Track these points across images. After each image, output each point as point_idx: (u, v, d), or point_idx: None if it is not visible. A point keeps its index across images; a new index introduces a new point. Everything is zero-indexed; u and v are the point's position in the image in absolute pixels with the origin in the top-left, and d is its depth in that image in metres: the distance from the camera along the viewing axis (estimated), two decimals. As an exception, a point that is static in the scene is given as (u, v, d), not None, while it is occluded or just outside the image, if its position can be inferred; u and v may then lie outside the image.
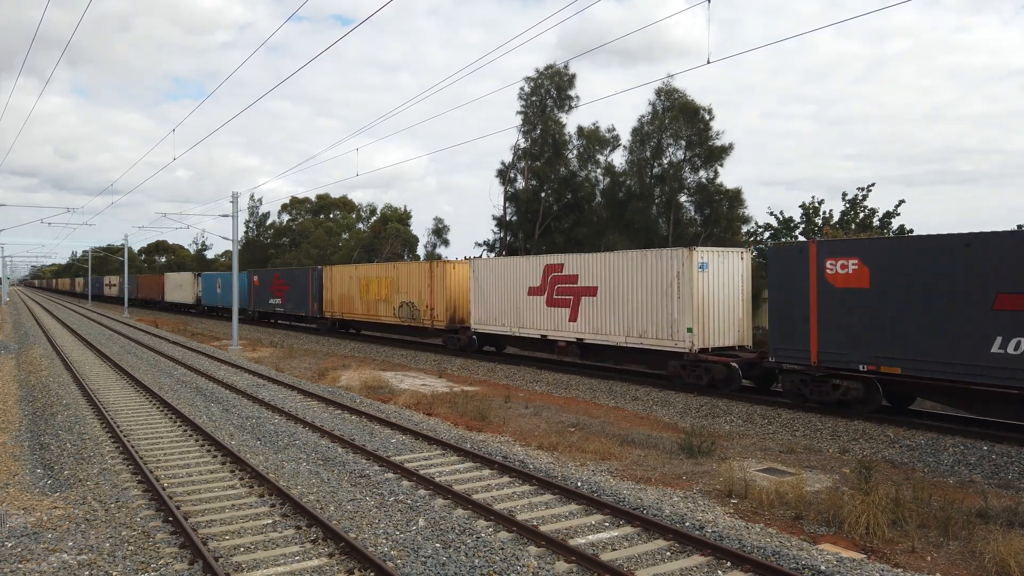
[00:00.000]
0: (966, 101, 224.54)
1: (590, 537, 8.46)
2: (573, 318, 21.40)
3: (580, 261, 21.43)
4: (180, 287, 60.12)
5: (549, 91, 42.71)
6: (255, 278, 45.83)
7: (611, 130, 43.19)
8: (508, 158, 44.61)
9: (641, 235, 37.51)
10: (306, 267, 41.20)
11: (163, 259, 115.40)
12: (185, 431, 14.22)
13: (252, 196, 75.21)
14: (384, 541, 8.24)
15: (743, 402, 16.75)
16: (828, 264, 14.86)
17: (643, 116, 39.14)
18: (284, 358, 27.66)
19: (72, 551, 7.91)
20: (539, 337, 22.80)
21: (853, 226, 29.27)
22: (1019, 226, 25.97)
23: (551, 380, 20.93)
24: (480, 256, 44.22)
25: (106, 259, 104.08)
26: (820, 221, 30.67)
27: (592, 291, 20.72)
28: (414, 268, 29.66)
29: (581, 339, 21.22)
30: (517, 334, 23.60)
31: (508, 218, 44.68)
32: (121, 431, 13.61)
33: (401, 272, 30.49)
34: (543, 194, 43.08)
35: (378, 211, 68.98)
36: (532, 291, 22.96)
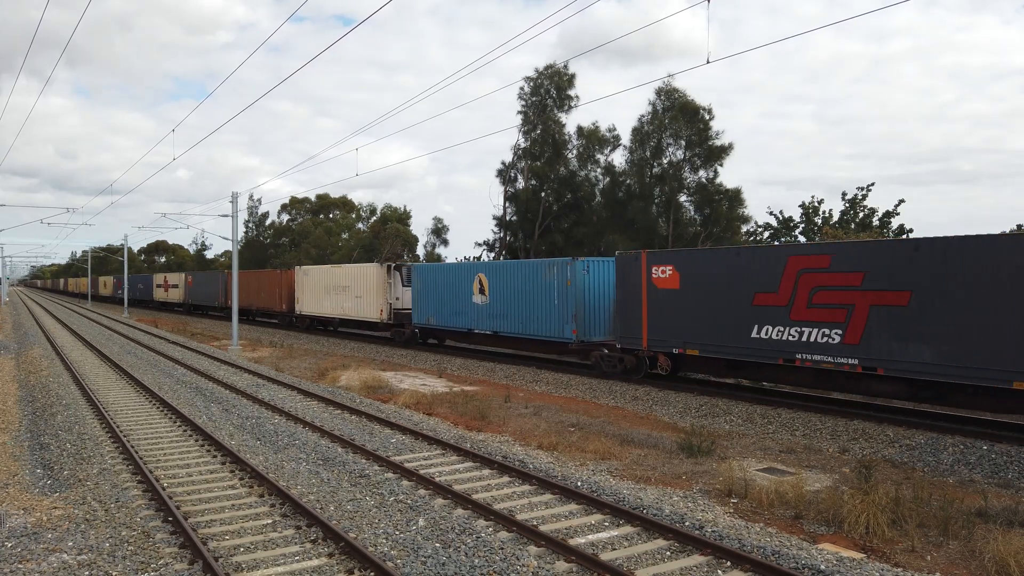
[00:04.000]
0: (966, 101, 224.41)
1: (590, 537, 8.46)
2: None
3: None
4: (343, 291, 33.32)
5: (549, 91, 42.76)
6: (663, 270, 18.00)
7: (611, 130, 43.29)
8: (508, 158, 44.72)
9: (641, 235, 37.55)
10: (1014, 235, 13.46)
11: (163, 259, 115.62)
12: (185, 431, 14.22)
13: (251, 196, 75.35)
14: (384, 541, 8.24)
15: (743, 402, 16.75)
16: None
17: (643, 116, 39.25)
18: (284, 358, 27.66)
19: (72, 551, 7.91)
20: None
21: (853, 226, 29.27)
22: (1019, 226, 25.99)
23: (551, 380, 20.92)
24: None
25: (106, 259, 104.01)
26: (820, 221, 30.68)
27: None
28: None
29: None
30: None
31: (508, 218, 44.72)
32: (121, 431, 13.61)
33: None
34: (543, 194, 43.13)
35: (378, 211, 69.08)
36: None
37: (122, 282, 79.37)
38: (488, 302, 24.47)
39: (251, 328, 42.02)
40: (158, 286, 66.04)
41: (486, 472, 11.25)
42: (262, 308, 43.20)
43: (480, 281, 25.01)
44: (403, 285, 30.33)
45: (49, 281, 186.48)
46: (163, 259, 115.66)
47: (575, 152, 43.80)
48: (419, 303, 28.11)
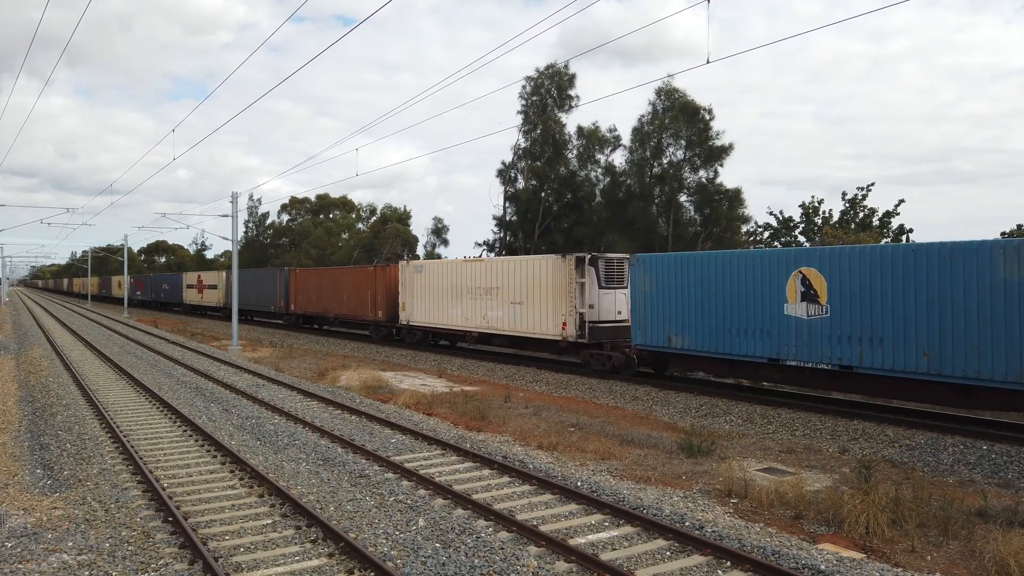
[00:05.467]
0: (966, 101, 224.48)
1: (590, 537, 8.46)
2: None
3: None
4: (487, 295, 24.54)
5: (549, 91, 42.75)
6: None
7: (612, 130, 43.26)
8: (508, 158, 44.69)
9: (641, 235, 37.56)
10: None
11: (163, 259, 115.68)
12: (185, 431, 14.22)
13: (251, 196, 75.35)
14: (384, 541, 8.24)
15: (743, 402, 16.75)
16: None
17: (643, 116, 39.24)
18: (284, 358, 27.66)
19: (72, 551, 7.91)
20: None
21: (853, 226, 29.28)
22: (1019, 226, 25.99)
23: (551, 380, 20.92)
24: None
25: (106, 259, 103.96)
26: (820, 221, 30.70)
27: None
28: None
29: None
30: None
31: (508, 218, 44.71)
32: (121, 431, 13.61)
33: None
34: (543, 194, 43.12)
35: (378, 211, 69.11)
36: None
37: (142, 282, 72.42)
38: (827, 314, 14.99)
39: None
40: (189, 287, 55.24)
41: (486, 472, 11.25)
42: (344, 315, 34.20)
43: (804, 279, 15.45)
44: (600, 287, 21.28)
45: (51, 281, 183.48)
46: (163, 259, 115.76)
47: (575, 152, 43.81)
48: (649, 313, 18.68)
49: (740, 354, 16.68)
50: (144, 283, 70.86)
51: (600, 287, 21.33)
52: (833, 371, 15.10)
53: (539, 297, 22.40)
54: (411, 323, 28.66)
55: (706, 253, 18.64)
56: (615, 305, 21.46)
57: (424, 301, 27.68)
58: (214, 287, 50.19)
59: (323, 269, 39.09)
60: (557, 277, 21.79)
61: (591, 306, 21.12)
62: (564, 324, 21.42)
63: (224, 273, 48.99)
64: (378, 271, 31.69)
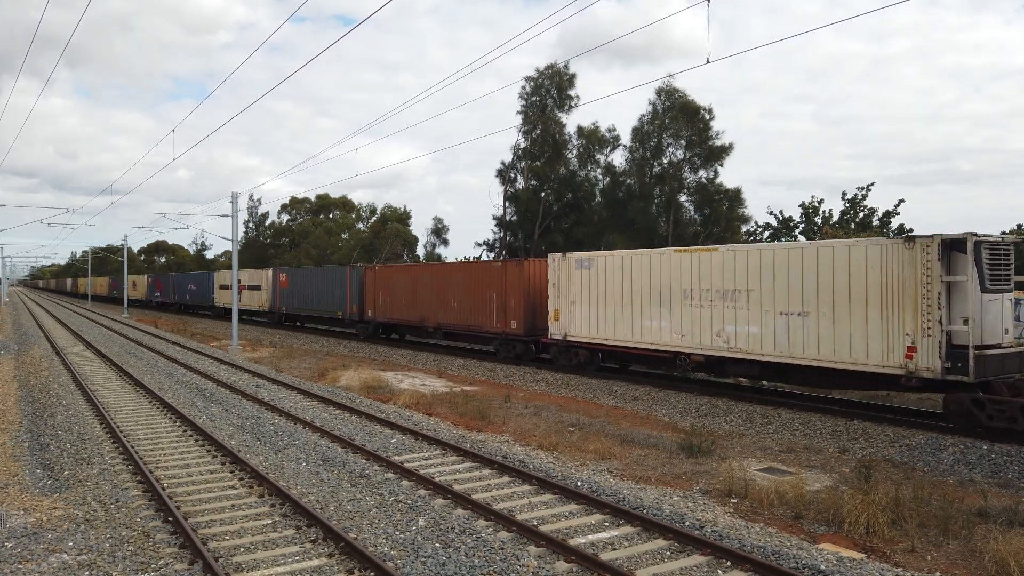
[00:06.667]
0: (966, 101, 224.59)
1: (590, 537, 8.46)
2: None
3: None
4: (724, 300, 16.64)
5: (549, 91, 42.77)
6: None
7: (611, 130, 43.30)
8: (508, 158, 44.69)
9: (641, 235, 37.57)
10: None
11: (163, 259, 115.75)
12: (185, 431, 14.22)
13: (251, 196, 75.38)
14: (384, 541, 8.24)
15: (743, 402, 16.74)
16: None
17: (643, 116, 39.30)
18: (284, 358, 27.66)
19: (72, 551, 7.91)
20: None
21: (853, 225, 29.30)
22: (1019, 226, 26.00)
23: (551, 380, 20.90)
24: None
25: (106, 259, 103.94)
26: (820, 221, 30.71)
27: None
28: None
29: None
30: None
31: (508, 218, 44.72)
32: (121, 431, 13.61)
33: None
34: (543, 194, 43.14)
35: (378, 211, 69.14)
36: None
37: (162, 282, 65.22)
38: None
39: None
40: (223, 287, 46.76)
41: (486, 472, 11.25)
42: (452, 326, 27.05)
43: None
44: (984, 289, 13.15)
45: (52, 281, 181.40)
46: (163, 259, 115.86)
47: (575, 152, 43.84)
48: None
49: None
50: (164, 283, 62.39)
51: (984, 290, 13.20)
52: None
53: (846, 305, 14.43)
54: (569, 338, 21.16)
55: None
56: (1002, 320, 13.48)
57: (594, 308, 20.23)
58: (256, 288, 41.98)
59: (418, 266, 33.32)
60: (893, 273, 13.76)
61: (968, 320, 12.90)
62: (911, 350, 13.49)
63: (270, 271, 41.74)
64: (508, 267, 24.44)
